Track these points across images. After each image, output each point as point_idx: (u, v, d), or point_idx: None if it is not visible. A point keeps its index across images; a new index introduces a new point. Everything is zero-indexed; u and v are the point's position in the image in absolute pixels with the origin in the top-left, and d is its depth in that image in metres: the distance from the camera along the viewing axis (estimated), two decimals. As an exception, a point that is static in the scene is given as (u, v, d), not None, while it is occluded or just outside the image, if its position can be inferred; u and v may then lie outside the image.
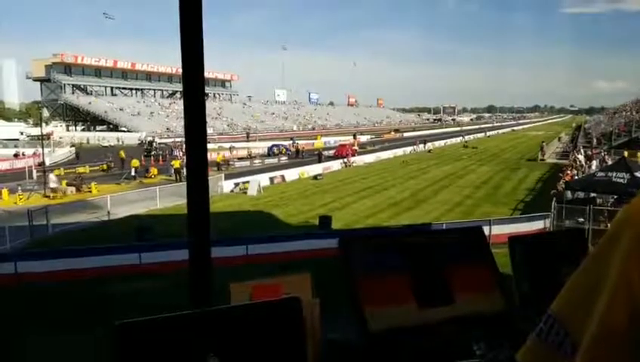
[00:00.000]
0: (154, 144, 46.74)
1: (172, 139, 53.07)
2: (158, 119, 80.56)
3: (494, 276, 1.51)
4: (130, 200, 22.82)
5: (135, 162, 32.48)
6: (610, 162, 25.83)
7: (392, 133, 79.35)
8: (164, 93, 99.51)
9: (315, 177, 32.86)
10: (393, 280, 1.37)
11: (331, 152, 45.26)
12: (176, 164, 31.26)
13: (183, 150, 42.68)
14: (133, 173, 31.19)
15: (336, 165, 38.65)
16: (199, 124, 1.44)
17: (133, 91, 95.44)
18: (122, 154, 39.11)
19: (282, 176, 31.96)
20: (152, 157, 39.61)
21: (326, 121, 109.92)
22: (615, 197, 18.14)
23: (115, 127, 76.25)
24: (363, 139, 64.70)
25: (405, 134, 78.67)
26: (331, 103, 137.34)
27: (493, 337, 1.44)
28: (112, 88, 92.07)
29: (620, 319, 0.58)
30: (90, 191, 26.11)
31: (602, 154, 31.96)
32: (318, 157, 40.86)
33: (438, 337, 1.38)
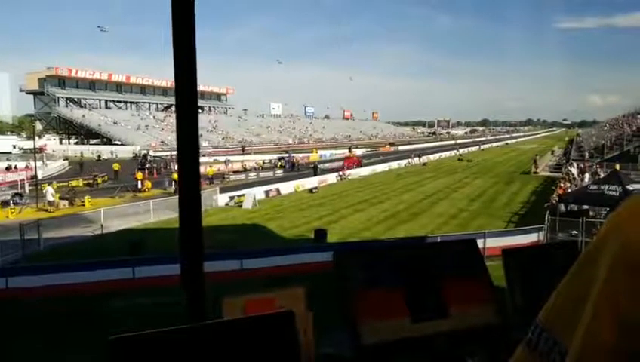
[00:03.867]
0: (148, 157, 46.64)
1: (167, 153, 53.01)
2: (153, 132, 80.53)
3: (488, 289, 1.51)
4: (124, 213, 22.68)
5: (140, 175, 32.49)
6: (602, 175, 26.00)
7: (388, 146, 79.59)
8: (159, 106, 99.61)
9: (310, 190, 32.84)
10: (387, 293, 1.37)
11: (327, 165, 45.37)
12: (175, 176, 31.29)
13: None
14: (139, 186, 31.12)
15: (331, 178, 38.68)
16: (191, 137, 1.44)
17: (128, 104, 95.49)
18: (117, 166, 38.96)
19: (277, 190, 31.92)
20: (146, 171, 39.50)
21: (321, 134, 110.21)
22: (607, 209, 18.23)
23: (108, 141, 76.08)
24: (358, 152, 64.85)
25: (400, 147, 78.94)
26: (327, 117, 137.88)
27: (488, 351, 1.43)
28: (106, 101, 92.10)
29: (606, 329, 0.58)
30: (84, 205, 25.95)
31: (594, 167, 32.18)
32: (314, 170, 40.90)
33: (432, 351, 1.38)
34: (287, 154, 53.32)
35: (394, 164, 50.17)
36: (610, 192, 16.93)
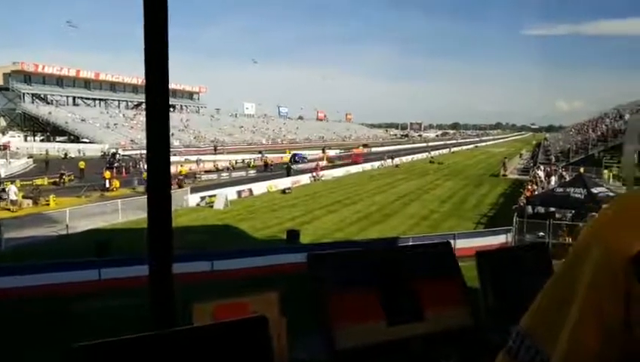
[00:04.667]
0: (117, 156, 45.68)
1: (136, 152, 52.02)
2: (122, 130, 78.87)
3: (463, 291, 1.51)
4: (90, 213, 22.12)
5: (107, 173, 31.78)
6: (568, 178, 26.79)
7: (361, 147, 80.00)
8: (129, 104, 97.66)
9: (283, 191, 32.74)
10: (362, 296, 1.35)
11: (301, 166, 45.42)
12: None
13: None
14: (107, 185, 30.47)
15: (305, 179, 38.66)
16: (161, 136, 1.39)
17: (97, 102, 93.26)
18: (82, 164, 37.98)
19: (250, 190, 31.70)
20: (114, 170, 38.66)
21: (295, 135, 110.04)
22: (573, 211, 18.79)
23: (76, 139, 74.10)
24: (332, 153, 65.03)
25: (373, 149, 79.51)
26: (300, 117, 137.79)
27: (462, 353, 1.43)
28: (74, 98, 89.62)
29: (590, 335, 0.58)
30: (48, 204, 25.19)
31: (559, 170, 33.09)
32: (287, 170, 40.80)
33: (407, 354, 1.36)
34: (259, 155, 53.10)
35: (367, 166, 50.51)
36: (576, 195, 17.45)
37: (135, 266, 12.55)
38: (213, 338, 1.03)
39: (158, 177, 1.36)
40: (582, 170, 29.97)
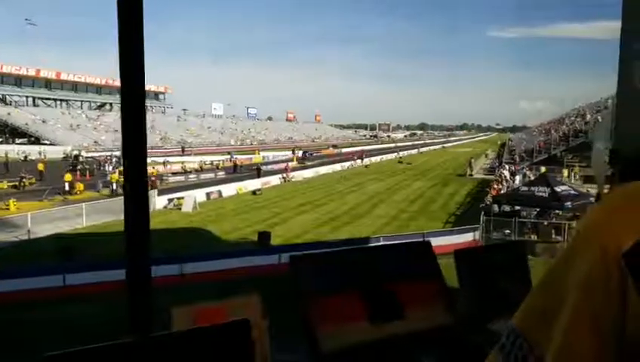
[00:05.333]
0: (80, 158, 44.43)
1: (100, 153, 50.77)
2: (85, 132, 76.71)
3: (442, 290, 1.52)
4: (53, 217, 21.42)
5: (68, 176, 30.83)
6: (532, 177, 27.57)
7: (330, 148, 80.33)
8: (92, 104, 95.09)
9: (253, 192, 32.51)
10: (344, 298, 1.34)
11: (270, 167, 45.22)
12: (114, 178, 30.22)
13: (113, 164, 41.13)
14: (67, 188, 29.54)
15: (275, 180, 38.51)
16: (138, 137, 1.34)
17: (58, 102, 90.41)
18: (41, 166, 36.76)
19: (219, 192, 31.34)
20: (78, 172, 37.58)
21: (264, 136, 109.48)
22: (538, 210, 19.36)
23: (36, 140, 71.62)
24: (302, 154, 65.01)
25: (343, 150, 79.89)
26: (270, 118, 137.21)
27: (443, 351, 1.44)
28: (34, 98, 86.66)
29: (584, 335, 0.58)
30: (8, 209, 24.25)
31: (523, 170, 33.98)
32: (257, 172, 40.54)
33: (388, 354, 1.36)
34: (228, 156, 52.59)
35: (337, 166, 50.70)
36: (540, 193, 17.99)
37: (102, 272, 12.24)
38: (196, 343, 1.00)
39: (135, 179, 1.32)
40: (543, 169, 30.93)
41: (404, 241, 1.66)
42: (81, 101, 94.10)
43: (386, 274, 1.46)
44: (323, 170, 47.78)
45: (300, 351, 1.44)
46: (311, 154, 63.04)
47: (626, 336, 0.56)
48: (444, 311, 1.49)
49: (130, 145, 1.33)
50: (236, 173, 43.03)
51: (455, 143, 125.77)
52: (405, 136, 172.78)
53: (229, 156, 52.99)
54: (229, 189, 32.42)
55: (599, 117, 37.87)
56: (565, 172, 32.86)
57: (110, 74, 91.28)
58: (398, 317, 1.41)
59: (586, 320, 0.58)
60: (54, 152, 58.35)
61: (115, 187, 29.56)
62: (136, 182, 1.32)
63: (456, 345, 1.47)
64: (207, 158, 52.32)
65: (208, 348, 1.01)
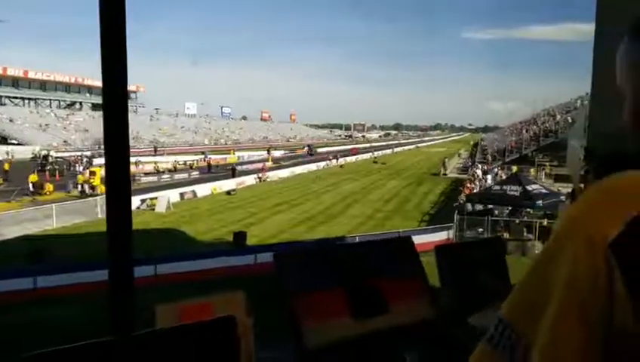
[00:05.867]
0: (49, 158, 43.27)
1: (71, 153, 49.53)
2: (55, 131, 74.75)
3: (424, 285, 1.54)
4: (21, 219, 20.81)
5: (33, 177, 29.94)
6: (503, 176, 28.11)
7: (306, 148, 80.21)
8: (61, 103, 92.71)
9: (228, 192, 32.23)
10: (328, 294, 1.35)
11: (246, 167, 44.88)
12: (81, 179, 29.47)
13: (84, 164, 40.17)
14: (31, 189, 28.69)
15: (250, 180, 38.26)
16: (121, 135, 1.32)
17: (26, 101, 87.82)
18: (7, 166, 35.68)
19: (193, 192, 30.96)
20: (47, 173, 36.59)
21: (239, 135, 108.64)
22: (510, 208, 19.75)
23: (3, 140, 69.41)
24: (277, 154, 64.74)
25: (318, 150, 79.87)
26: (244, 118, 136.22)
27: (424, 346, 1.46)
28: (0, 97, 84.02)
29: (571, 324, 0.59)
30: (-26, 210, 23.45)
31: (495, 169, 34.61)
32: (232, 172, 40.21)
33: (371, 349, 1.38)
34: (202, 156, 51.98)
35: (312, 166, 50.69)
36: (512, 192, 18.36)
37: (74, 273, 11.96)
38: (181, 340, 0.99)
39: (117, 179, 1.29)
40: (514, 168, 31.56)
41: (386, 237, 1.67)
42: (50, 100, 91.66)
43: (369, 270, 1.47)
44: (298, 169, 47.70)
45: (282, 349, 1.44)
46: (315, 149, 68.24)
47: (612, 325, 0.57)
48: (426, 306, 1.52)
49: (112, 143, 1.31)
50: (211, 173, 42.58)
51: (429, 143, 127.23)
52: (380, 136, 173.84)
53: (203, 156, 52.36)
54: (203, 189, 32.05)
55: (569, 117, 38.86)
56: (532, 170, 33.56)
57: (80, 72, 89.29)
58: (381, 313, 1.42)
59: (573, 309, 0.59)
60: (23, 152, 56.63)
61: (84, 188, 28.93)
62: (119, 181, 1.29)
63: (438, 340, 1.49)
64: (181, 158, 51.60)
65: (193, 344, 1.00)
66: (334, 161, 56.29)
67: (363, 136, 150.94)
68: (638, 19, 0.69)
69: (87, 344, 0.90)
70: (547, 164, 36.01)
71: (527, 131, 44.52)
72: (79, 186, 29.46)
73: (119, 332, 1.28)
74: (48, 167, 38.87)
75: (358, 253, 1.51)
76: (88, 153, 48.09)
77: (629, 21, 0.69)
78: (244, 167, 46.81)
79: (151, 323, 1.22)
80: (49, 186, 30.04)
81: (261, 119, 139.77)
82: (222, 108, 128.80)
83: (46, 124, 77.17)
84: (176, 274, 13.85)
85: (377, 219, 24.42)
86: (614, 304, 0.57)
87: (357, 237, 16.65)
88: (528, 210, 18.93)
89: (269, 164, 48.57)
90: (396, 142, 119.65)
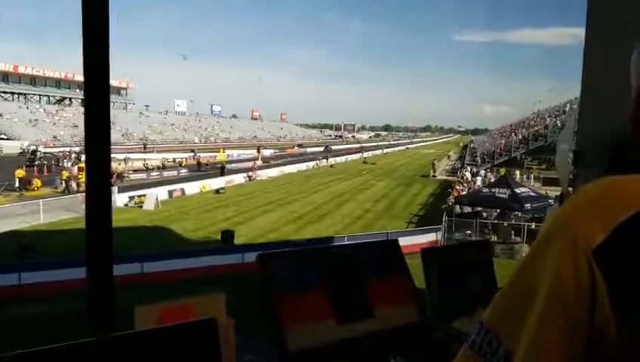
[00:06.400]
0: (38, 153, 42.80)
1: (59, 149, 49.07)
2: (44, 127, 73.98)
3: (410, 288, 1.53)
4: (8, 214, 20.55)
5: (20, 172, 29.58)
6: (492, 179, 28.29)
7: (296, 148, 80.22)
8: (51, 98, 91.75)
9: (217, 191, 32.08)
10: (313, 296, 1.33)
11: (235, 165, 44.78)
12: (65, 175, 29.13)
13: (72, 160, 39.77)
14: (18, 184, 28.35)
15: (239, 179, 38.13)
16: (101, 131, 1.29)
17: (15, 96, 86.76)
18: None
19: (182, 190, 30.78)
20: (35, 168, 36.21)
21: (229, 134, 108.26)
22: (498, 211, 19.88)
23: (-9, 135, 68.56)
24: (267, 153, 64.61)
25: (308, 149, 79.90)
26: (234, 116, 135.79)
27: (409, 349, 1.45)
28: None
29: (553, 329, 0.58)
30: (-41, 205, 23.10)
31: (483, 172, 34.78)
32: (221, 170, 40.04)
33: (356, 353, 1.36)
34: (192, 154, 51.72)
35: (302, 166, 50.66)
36: (500, 195, 18.48)
37: (60, 270, 11.83)
38: (162, 342, 0.97)
39: (97, 175, 1.26)
40: (502, 171, 31.80)
41: (372, 240, 1.66)
42: (40, 95, 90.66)
43: (355, 273, 1.46)
44: (288, 169, 47.64)
45: (265, 351, 1.42)
46: (330, 149, 70.08)
47: (593, 331, 0.57)
48: (412, 309, 1.51)
49: (93, 140, 1.28)
50: (200, 171, 42.38)
51: (419, 144, 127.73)
52: (370, 137, 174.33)
53: (192, 154, 52.08)
54: (192, 187, 31.89)
55: (558, 121, 39.23)
56: (517, 173, 33.77)
57: (70, 67, 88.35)
58: (367, 315, 1.41)
59: (556, 315, 0.58)
60: (11, 147, 56.02)
61: (68, 184, 28.66)
62: (99, 177, 1.26)
63: (424, 342, 1.48)
64: (170, 156, 51.30)
65: (173, 347, 0.98)
66: (324, 160, 56.28)
67: (353, 137, 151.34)
68: None
69: (65, 346, 0.88)
70: (534, 167, 36.32)
71: (516, 134, 44.88)
72: (63, 183, 29.18)
73: (98, 333, 1.25)
74: (37, 163, 38.52)
75: (343, 255, 1.49)
76: (77, 149, 47.61)
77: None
78: (234, 165, 46.61)
79: (131, 325, 1.20)
80: (37, 182, 29.72)
81: (251, 118, 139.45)
82: (212, 106, 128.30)
83: (35, 120, 76.36)
84: (164, 272, 13.76)
85: (367, 219, 24.46)
86: (596, 310, 0.57)
87: (345, 238, 16.67)
88: (517, 213, 19.07)
89: (259, 162, 48.41)
90: (386, 143, 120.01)
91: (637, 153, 0.68)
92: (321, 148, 76.70)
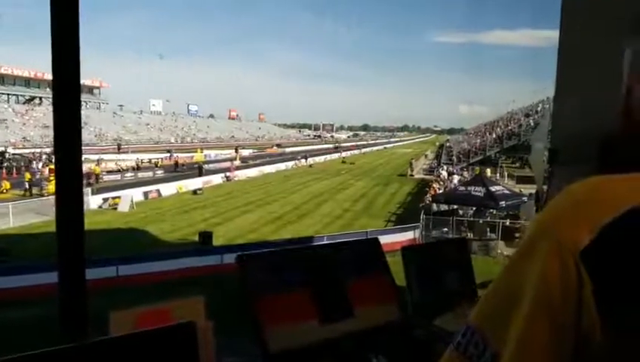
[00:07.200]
0: (6, 155, 41.68)
1: (29, 150, 47.86)
2: (13, 127, 72.04)
3: (391, 287, 1.53)
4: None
5: None
6: (468, 177, 28.71)
7: (274, 147, 79.97)
8: (20, 98, 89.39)
9: (194, 192, 31.74)
10: (293, 297, 1.32)
11: (213, 166, 44.37)
12: (29, 176, 28.50)
13: (43, 161, 38.83)
14: None
15: (217, 179, 37.79)
16: (72, 132, 1.25)
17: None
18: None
19: (158, 191, 30.35)
20: (4, 170, 35.25)
21: (206, 134, 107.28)
22: (474, 208, 20.19)
23: (-43, 136, 66.44)
24: (245, 153, 64.23)
25: (287, 149, 79.74)
26: (212, 116, 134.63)
27: (391, 348, 1.45)
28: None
29: (540, 331, 0.58)
30: None
31: (458, 170, 35.27)
32: (199, 170, 39.63)
33: (338, 353, 1.35)
34: (168, 154, 51.05)
35: (281, 166, 50.52)
36: (476, 193, 18.77)
37: (31, 275, 11.53)
38: (137, 347, 0.95)
39: (68, 177, 1.22)
40: (477, 169, 32.32)
41: (353, 239, 1.65)
42: (8, 94, 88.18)
43: (336, 272, 1.45)
44: (267, 169, 47.45)
45: (247, 353, 1.40)
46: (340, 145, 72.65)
47: (579, 334, 0.56)
48: (393, 307, 1.50)
49: (63, 140, 1.24)
50: (177, 171, 41.87)
51: (396, 144, 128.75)
52: (348, 136, 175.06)
53: (168, 154, 51.40)
54: (168, 188, 31.48)
55: (531, 120, 40.01)
56: (488, 171, 34.30)
57: (40, 66, 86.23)
58: (348, 315, 1.40)
59: (542, 318, 0.58)
60: (-23, 148, 54.33)
61: (30, 186, 28.01)
62: (70, 179, 1.22)
63: (406, 340, 1.48)
64: (146, 156, 50.53)
65: (150, 352, 0.96)
66: (303, 160, 56.24)
67: (332, 137, 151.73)
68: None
69: (36, 354, 0.85)
70: (504, 165, 36.98)
71: (490, 133, 45.63)
72: (26, 184, 28.50)
73: (72, 338, 1.21)
74: (5, 165, 37.53)
75: (324, 255, 1.48)
76: (48, 150, 46.49)
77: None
78: (212, 165, 46.18)
79: (105, 330, 1.16)
80: (5, 184, 28.97)
81: (229, 118, 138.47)
82: (188, 105, 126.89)
83: (4, 120, 74.26)
84: (140, 275, 13.54)
85: (346, 218, 24.54)
86: (582, 312, 0.56)
87: (325, 237, 16.68)
88: (492, 210, 19.39)
89: (237, 163, 48.09)
90: (365, 142, 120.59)
91: (627, 148, 0.68)
92: (301, 148, 76.71)
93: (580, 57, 1.87)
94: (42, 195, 26.12)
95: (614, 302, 0.55)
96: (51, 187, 26.67)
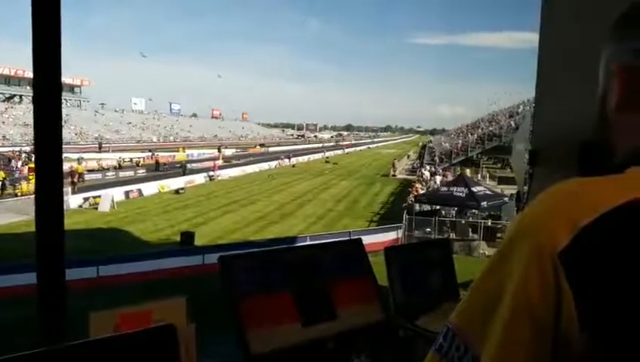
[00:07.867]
0: (-17, 154, 40.71)
1: (8, 149, 46.88)
2: (-10, 125, 70.53)
3: (374, 288, 1.53)
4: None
5: None
6: (450, 177, 28.97)
7: (258, 147, 79.62)
8: (0, 96, 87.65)
9: (176, 191, 31.43)
10: (276, 298, 1.31)
11: (195, 165, 44.00)
12: (2, 175, 28.10)
13: (22, 160, 38.02)
14: None
15: (199, 179, 37.47)
16: (52, 130, 1.23)
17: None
18: None
19: (139, 190, 29.98)
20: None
21: (189, 133, 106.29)
22: (456, 209, 20.39)
23: None
24: (228, 152, 63.80)
25: (270, 149, 79.46)
26: (194, 115, 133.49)
27: (373, 348, 1.45)
28: None
29: (520, 332, 0.58)
30: None
31: (439, 170, 35.53)
32: (182, 169, 39.24)
33: (320, 354, 1.35)
34: (149, 153, 50.44)
35: (264, 165, 50.33)
36: (458, 193, 18.95)
37: (9, 275, 11.30)
38: (117, 350, 0.93)
39: (47, 177, 1.20)
40: (458, 170, 32.63)
41: (336, 240, 1.65)
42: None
43: (318, 273, 1.45)
44: (250, 168, 47.22)
45: (229, 354, 1.39)
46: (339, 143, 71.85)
47: (558, 335, 0.57)
48: (376, 308, 1.51)
49: (43, 139, 1.21)
50: (159, 171, 41.40)
51: (379, 144, 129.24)
52: (332, 136, 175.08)
53: (150, 153, 50.76)
54: (150, 188, 31.10)
55: (512, 121, 40.54)
56: (468, 171, 34.61)
57: (20, 64, 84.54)
58: (331, 316, 1.40)
59: (522, 318, 0.58)
60: (-48, 147, 53.03)
61: (4, 185, 27.44)
62: (50, 178, 1.20)
63: (388, 341, 1.48)
64: (127, 155, 49.85)
65: (130, 355, 0.94)
66: (287, 160, 56.11)
67: (315, 137, 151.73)
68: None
69: (12, 357, 0.82)
70: (485, 166, 37.39)
71: (472, 134, 46.11)
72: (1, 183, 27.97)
73: (49, 342, 1.19)
74: (-18, 164, 36.68)
75: (306, 256, 1.48)
76: (28, 148, 45.57)
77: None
78: (194, 165, 45.74)
79: (85, 332, 1.14)
80: (-17, 183, 28.29)
81: (212, 117, 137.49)
82: (171, 104, 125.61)
83: (-20, 118, 72.66)
84: (120, 276, 13.37)
85: (329, 218, 24.55)
86: (561, 315, 0.56)
87: (308, 238, 16.66)
88: (474, 210, 19.59)
89: (220, 162, 47.74)
90: (348, 142, 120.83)
91: (605, 150, 0.69)
92: (285, 148, 76.49)
93: (559, 60, 1.90)
94: (16, 195, 25.62)
95: (592, 303, 0.55)
96: (25, 186, 26.17)
